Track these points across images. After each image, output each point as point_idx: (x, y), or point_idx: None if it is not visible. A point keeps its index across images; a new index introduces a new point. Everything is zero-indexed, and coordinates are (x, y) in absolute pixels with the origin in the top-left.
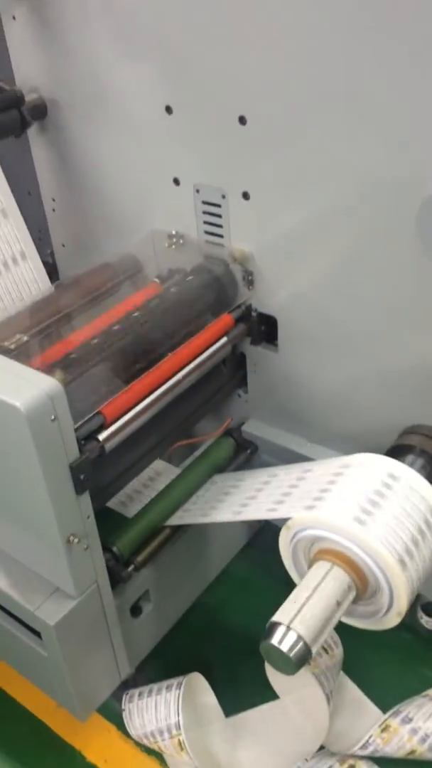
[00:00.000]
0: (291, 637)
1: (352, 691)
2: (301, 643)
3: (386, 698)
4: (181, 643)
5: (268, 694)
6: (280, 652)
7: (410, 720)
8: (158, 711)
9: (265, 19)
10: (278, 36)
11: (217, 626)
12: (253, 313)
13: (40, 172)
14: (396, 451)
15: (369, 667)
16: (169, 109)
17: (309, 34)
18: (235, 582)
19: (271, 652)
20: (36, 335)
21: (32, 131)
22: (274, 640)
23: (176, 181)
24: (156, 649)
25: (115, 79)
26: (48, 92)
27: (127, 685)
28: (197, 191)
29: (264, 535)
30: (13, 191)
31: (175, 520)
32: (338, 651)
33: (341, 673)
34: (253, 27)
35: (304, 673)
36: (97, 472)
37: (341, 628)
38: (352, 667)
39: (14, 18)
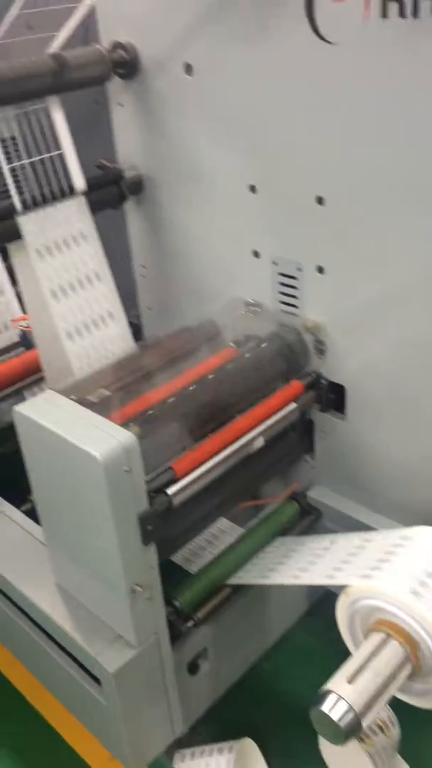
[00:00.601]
0: (342, 707)
1: None
2: (351, 714)
3: None
4: (236, 707)
5: None
6: (330, 720)
7: None
8: None
9: (343, 110)
10: (356, 125)
11: (272, 693)
12: (323, 381)
13: (133, 240)
14: None
15: (427, 751)
16: (253, 189)
17: (384, 124)
18: (293, 649)
19: (321, 719)
20: (117, 391)
21: (128, 204)
22: (325, 708)
23: (256, 254)
24: (211, 710)
25: (206, 160)
26: (145, 170)
27: (180, 743)
28: (275, 264)
29: (326, 604)
30: (107, 257)
31: (235, 580)
32: (395, 731)
33: (397, 755)
34: (333, 117)
35: (358, 751)
36: (164, 525)
37: (400, 709)
38: (409, 750)
39: (121, 105)
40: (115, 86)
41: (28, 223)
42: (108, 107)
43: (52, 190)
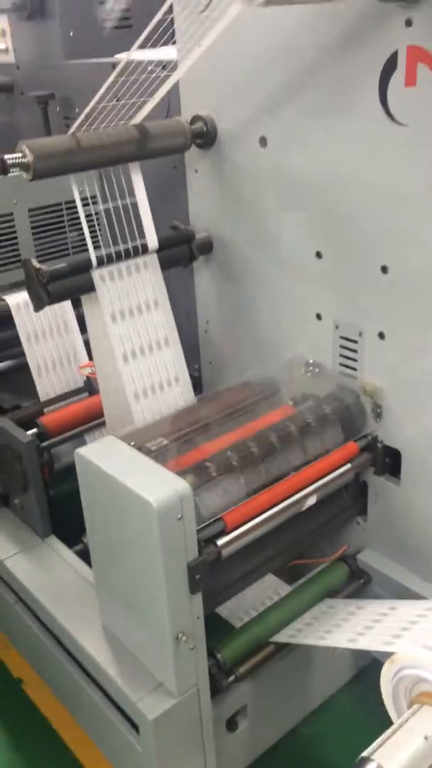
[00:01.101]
0: None
1: None
2: None
3: None
4: None
5: None
6: None
7: None
8: None
9: (409, 186)
10: (422, 201)
11: (311, 759)
12: (379, 445)
13: (200, 297)
14: None
15: None
16: (319, 255)
17: None
18: (336, 716)
19: None
20: (175, 440)
21: (197, 262)
22: None
23: (318, 316)
24: None
25: (275, 226)
26: (216, 231)
27: None
28: (336, 327)
29: (372, 672)
30: (174, 312)
31: (285, 638)
32: None
33: None
34: (399, 192)
35: None
36: (212, 576)
37: None
38: None
39: (196, 171)
40: (192, 154)
41: (103, 287)
42: (184, 173)
43: (126, 248)
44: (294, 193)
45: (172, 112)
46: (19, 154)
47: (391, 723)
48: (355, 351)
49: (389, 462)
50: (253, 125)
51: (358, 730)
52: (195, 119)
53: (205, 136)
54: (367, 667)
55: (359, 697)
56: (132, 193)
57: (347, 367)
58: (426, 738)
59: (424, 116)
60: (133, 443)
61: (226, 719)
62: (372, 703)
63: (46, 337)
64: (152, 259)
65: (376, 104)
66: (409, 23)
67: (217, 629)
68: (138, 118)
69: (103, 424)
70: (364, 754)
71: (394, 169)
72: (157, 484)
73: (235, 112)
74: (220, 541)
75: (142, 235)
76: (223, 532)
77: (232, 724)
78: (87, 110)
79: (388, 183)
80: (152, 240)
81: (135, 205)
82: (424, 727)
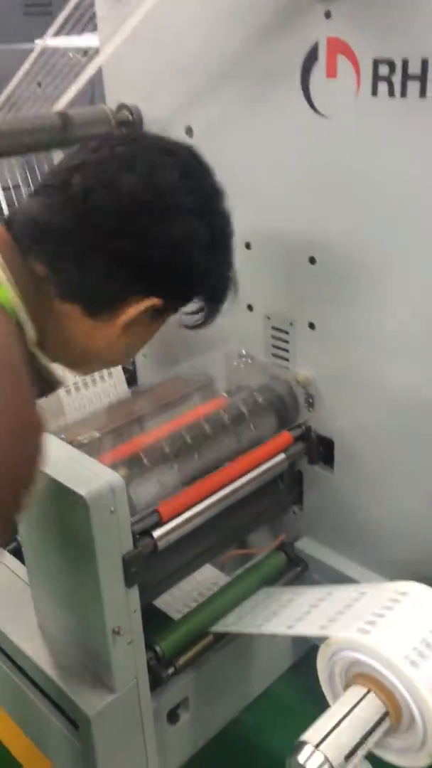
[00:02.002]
0: (317, 759)
1: None
2: (327, 766)
3: None
4: (216, 761)
5: None
6: None
7: None
8: None
9: (334, 178)
10: (346, 192)
11: (254, 747)
12: (312, 434)
13: None
14: None
15: None
16: (248, 246)
17: (373, 193)
18: (276, 704)
19: None
20: (108, 433)
21: None
22: (301, 759)
23: (250, 308)
24: (189, 762)
25: None
26: None
27: None
28: (268, 318)
29: (311, 659)
30: None
31: (223, 628)
32: None
33: None
34: (324, 184)
35: None
36: (148, 569)
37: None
38: None
39: None
40: None
41: None
42: None
43: None
44: (222, 184)
45: (97, 101)
46: None
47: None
48: (286, 342)
49: (323, 451)
50: (179, 114)
51: (299, 717)
52: (120, 107)
53: (131, 125)
54: (307, 654)
55: (299, 684)
56: None
57: (279, 357)
58: (361, 720)
59: (346, 108)
60: (63, 436)
61: (167, 712)
62: (312, 689)
63: None
64: None
65: (299, 95)
66: (328, 15)
67: (155, 622)
68: (60, 105)
69: None
70: (302, 738)
71: (317, 160)
72: (88, 477)
73: (161, 100)
74: (156, 533)
75: None
76: (158, 524)
77: (173, 717)
78: (5, 95)
79: (311, 174)
80: None
81: None
82: (359, 709)
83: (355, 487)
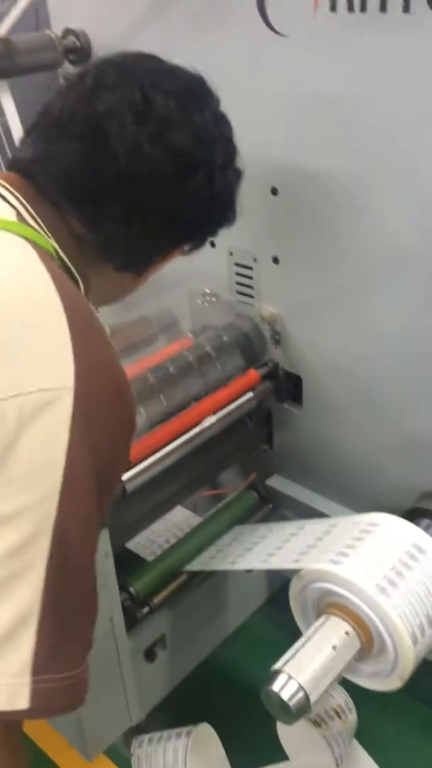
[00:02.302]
0: (292, 686)
1: (364, 760)
2: (301, 693)
3: None
4: (194, 695)
5: (278, 754)
6: (280, 699)
7: None
8: (166, 758)
9: (293, 101)
10: (306, 117)
11: (231, 681)
12: (280, 371)
13: None
14: (413, 514)
15: (384, 737)
16: None
17: (334, 116)
18: (252, 638)
19: (271, 698)
20: None
21: None
22: (275, 687)
23: (212, 244)
24: (168, 697)
25: None
26: None
27: (138, 730)
28: (231, 254)
29: (285, 593)
30: None
31: (198, 566)
32: (352, 717)
33: (354, 741)
34: (283, 108)
35: (315, 736)
36: (119, 512)
37: (357, 696)
38: (366, 736)
39: None
40: (67, 72)
41: None
42: None
43: None
44: None
45: (41, 26)
46: None
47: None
48: (250, 278)
49: (291, 388)
50: (128, 38)
51: (275, 649)
52: (66, 33)
53: (79, 52)
54: (282, 588)
55: (275, 618)
56: (1, 113)
57: (244, 294)
58: (333, 647)
59: (304, 25)
60: None
61: (144, 650)
62: (286, 623)
63: None
64: None
65: (254, 13)
66: None
67: (129, 564)
68: (1, 31)
69: None
70: (275, 666)
71: (276, 83)
72: None
73: (109, 24)
74: (124, 476)
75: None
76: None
77: (150, 655)
78: None
79: (270, 99)
80: None
81: (6, 127)
82: (331, 636)
83: (324, 423)
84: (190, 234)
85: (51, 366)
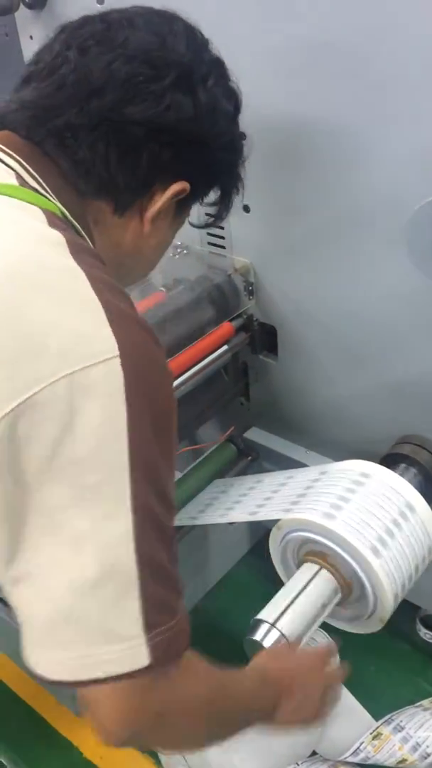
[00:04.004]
0: (273, 635)
1: (345, 698)
2: (283, 641)
3: (380, 708)
4: None
5: None
6: (263, 648)
7: (402, 728)
8: None
9: (268, 38)
10: (273, 53)
11: (217, 631)
12: (254, 323)
13: None
14: (389, 460)
15: (364, 675)
16: None
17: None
18: (236, 588)
19: (254, 647)
20: None
21: None
22: (257, 636)
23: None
24: None
25: None
26: None
27: None
28: (200, 204)
29: (266, 543)
30: None
31: (187, 521)
32: (334, 660)
33: None
34: (244, 39)
35: None
36: None
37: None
38: (348, 677)
39: (31, 38)
40: (23, 17)
41: None
42: (18, 41)
43: None
44: None
45: None
46: None
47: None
48: (221, 228)
49: (266, 340)
50: None
51: (258, 599)
52: None
53: (38, 3)
54: (263, 539)
55: (256, 568)
56: None
57: (216, 245)
58: (315, 596)
59: None
60: None
61: None
62: (269, 573)
63: None
64: None
65: None
66: None
67: None
68: None
69: None
70: (258, 616)
71: (252, 24)
72: None
73: None
74: None
75: None
76: None
77: None
78: None
79: (243, 40)
80: None
81: None
82: (312, 585)
83: (300, 373)
84: (177, 156)
85: (90, 338)
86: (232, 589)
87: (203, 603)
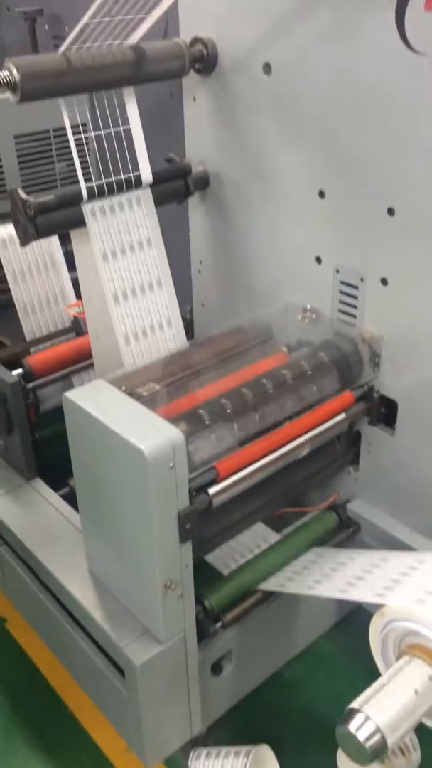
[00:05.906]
0: (369, 727)
1: None
2: (378, 735)
3: None
4: (255, 713)
5: None
6: (357, 740)
7: None
8: None
9: (423, 122)
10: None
11: (293, 703)
12: (375, 394)
13: (194, 236)
14: None
15: None
16: (322, 194)
17: None
18: (317, 661)
19: (346, 738)
20: (167, 386)
21: (193, 199)
22: (352, 727)
23: (318, 260)
24: (230, 712)
25: (277, 161)
26: (213, 167)
27: (196, 742)
28: (337, 271)
29: (354, 619)
30: (166, 252)
31: (274, 587)
32: (416, 755)
33: None
34: (411, 128)
35: None
36: (202, 525)
37: (423, 735)
38: None
39: (195, 99)
40: (191, 80)
41: (94, 223)
42: (182, 101)
43: (119, 181)
44: (298, 126)
45: (170, 34)
46: (6, 73)
47: (374, 672)
48: (355, 297)
49: (384, 412)
50: (257, 49)
51: (339, 675)
52: (194, 41)
53: (205, 61)
54: (350, 615)
55: (341, 643)
56: (125, 121)
57: (346, 314)
58: (416, 692)
59: None
60: (123, 388)
61: (211, 663)
62: (353, 650)
63: (33, 274)
64: (146, 195)
65: (392, 29)
66: None
67: (204, 575)
68: (133, 39)
69: (90, 365)
70: (353, 705)
71: (409, 102)
72: (149, 432)
73: (238, 34)
74: (212, 490)
75: (135, 167)
76: (214, 481)
77: (216, 669)
78: (78, 28)
79: (402, 117)
80: (146, 173)
81: (128, 134)
82: (414, 680)
83: (417, 450)
84: None
85: None
86: (314, 662)
87: (284, 671)
